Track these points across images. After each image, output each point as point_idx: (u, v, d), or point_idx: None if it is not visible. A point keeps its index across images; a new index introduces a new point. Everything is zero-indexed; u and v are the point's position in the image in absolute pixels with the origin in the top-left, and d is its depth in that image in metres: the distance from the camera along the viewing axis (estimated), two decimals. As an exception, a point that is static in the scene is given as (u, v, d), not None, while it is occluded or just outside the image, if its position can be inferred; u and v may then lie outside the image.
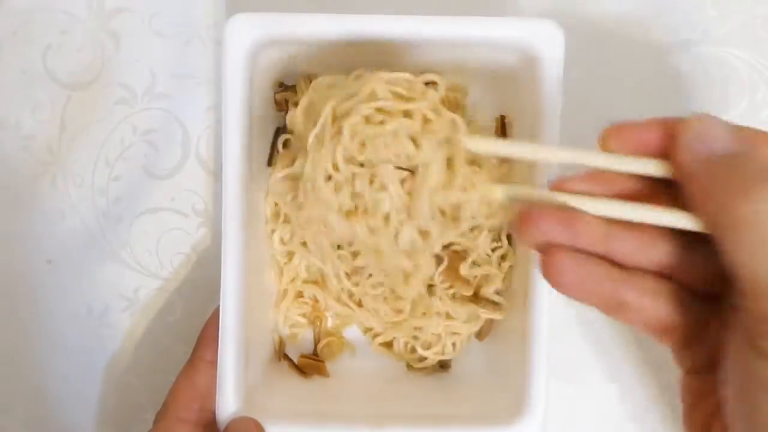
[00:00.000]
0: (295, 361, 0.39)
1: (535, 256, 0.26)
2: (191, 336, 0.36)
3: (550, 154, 0.29)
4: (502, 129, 0.38)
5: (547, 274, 0.25)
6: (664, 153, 0.26)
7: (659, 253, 0.26)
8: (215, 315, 0.35)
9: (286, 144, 0.37)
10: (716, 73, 0.41)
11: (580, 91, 0.41)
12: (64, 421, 0.41)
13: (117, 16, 0.40)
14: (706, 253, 0.25)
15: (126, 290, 0.41)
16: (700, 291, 0.26)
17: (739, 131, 0.25)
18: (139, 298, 0.41)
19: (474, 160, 0.29)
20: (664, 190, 0.26)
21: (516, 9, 0.40)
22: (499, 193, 0.28)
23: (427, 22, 0.33)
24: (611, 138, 0.26)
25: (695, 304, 0.26)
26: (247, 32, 0.32)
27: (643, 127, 0.26)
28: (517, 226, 0.26)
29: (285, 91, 0.38)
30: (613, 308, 0.26)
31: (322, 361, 0.39)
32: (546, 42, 0.32)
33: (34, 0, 0.40)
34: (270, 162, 0.37)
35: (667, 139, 0.25)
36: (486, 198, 0.28)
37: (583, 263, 0.25)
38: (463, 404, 0.36)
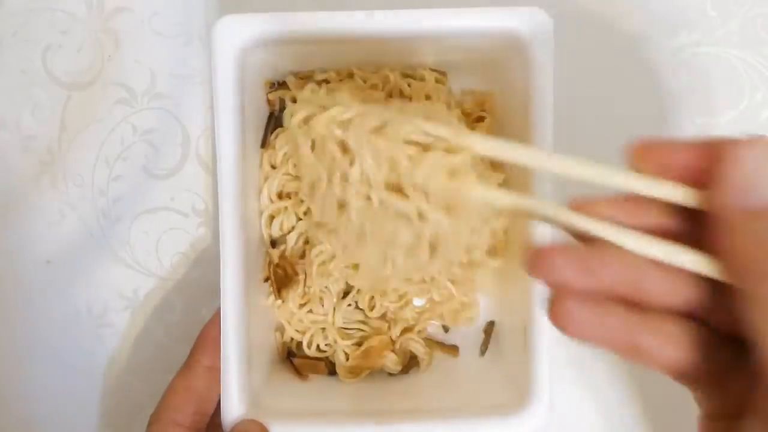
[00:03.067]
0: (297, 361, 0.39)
1: (541, 292, 0.24)
2: (191, 336, 0.36)
3: (566, 168, 0.24)
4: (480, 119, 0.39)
5: (556, 321, 0.23)
6: (700, 181, 0.22)
7: (687, 296, 0.22)
8: (214, 318, 0.35)
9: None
10: (716, 73, 0.41)
11: (578, 91, 0.41)
12: (63, 421, 0.41)
13: (117, 16, 0.41)
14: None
15: (125, 290, 0.41)
16: (727, 334, 0.23)
17: None
18: (139, 297, 0.41)
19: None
20: (695, 221, 0.23)
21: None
22: (503, 200, 0.25)
23: (416, 15, 0.33)
24: (640, 155, 0.23)
25: (720, 348, 0.23)
26: (235, 34, 0.32)
27: (680, 148, 0.22)
28: (527, 264, 0.23)
29: (277, 90, 0.38)
30: (628, 353, 0.23)
31: (320, 360, 0.39)
32: (535, 29, 0.32)
33: (34, 0, 0.40)
34: (263, 144, 0.37)
35: (707, 165, 0.22)
36: (488, 205, 0.25)
37: (597, 312, 0.22)
38: (466, 397, 0.36)
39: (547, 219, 0.24)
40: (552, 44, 0.33)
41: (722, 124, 0.41)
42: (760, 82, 0.41)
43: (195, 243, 0.41)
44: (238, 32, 0.32)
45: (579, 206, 0.23)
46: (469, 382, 0.38)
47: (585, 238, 0.23)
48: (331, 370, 0.39)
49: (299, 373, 0.38)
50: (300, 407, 0.36)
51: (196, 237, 0.41)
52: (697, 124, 0.41)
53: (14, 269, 0.41)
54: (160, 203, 0.41)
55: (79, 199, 0.41)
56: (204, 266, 0.41)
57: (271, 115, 0.38)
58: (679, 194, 0.22)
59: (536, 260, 0.22)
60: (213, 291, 0.34)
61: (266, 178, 0.37)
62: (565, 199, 0.24)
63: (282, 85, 0.38)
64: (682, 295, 0.22)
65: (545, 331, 0.33)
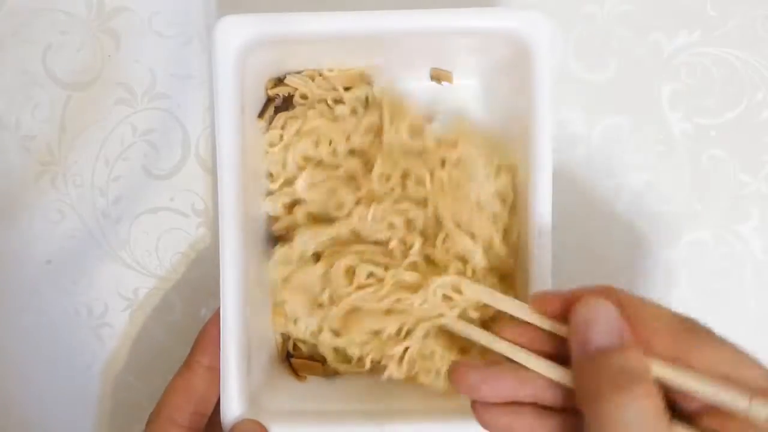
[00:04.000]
0: (294, 362, 0.39)
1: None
2: (190, 336, 0.36)
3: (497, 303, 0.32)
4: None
5: (479, 422, 0.29)
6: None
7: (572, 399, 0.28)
8: (214, 318, 0.35)
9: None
10: (716, 73, 0.41)
11: (577, 91, 0.41)
12: (63, 421, 0.41)
13: (117, 15, 0.41)
14: None
15: (125, 290, 0.41)
16: None
17: (621, 326, 0.27)
18: (139, 297, 0.41)
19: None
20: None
21: (508, 2, 0.40)
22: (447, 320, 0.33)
23: (416, 16, 0.33)
24: (534, 303, 0.30)
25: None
26: (235, 34, 0.32)
27: (554, 300, 0.29)
28: (449, 374, 0.29)
29: (275, 87, 0.38)
30: None
31: (318, 362, 0.39)
32: (535, 32, 0.33)
33: (34, 0, 0.40)
34: (261, 115, 0.37)
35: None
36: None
37: (514, 414, 0.29)
38: (467, 398, 0.36)
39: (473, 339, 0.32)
40: (552, 46, 0.33)
41: (722, 124, 0.41)
42: (760, 82, 0.41)
43: (195, 243, 0.41)
44: (238, 32, 0.32)
45: (498, 330, 0.31)
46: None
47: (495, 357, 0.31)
48: (329, 372, 0.39)
49: (296, 373, 0.38)
50: (299, 407, 0.35)
51: (196, 237, 0.41)
52: (697, 124, 0.41)
53: (14, 269, 0.41)
54: (160, 203, 0.41)
55: (79, 199, 0.41)
56: (204, 266, 0.41)
57: (269, 99, 0.38)
58: (559, 329, 0.29)
59: (453, 374, 0.29)
60: (213, 291, 0.34)
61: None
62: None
63: (283, 81, 0.38)
64: (565, 399, 0.28)
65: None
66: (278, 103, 0.38)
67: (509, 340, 0.30)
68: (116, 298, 0.41)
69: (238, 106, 0.33)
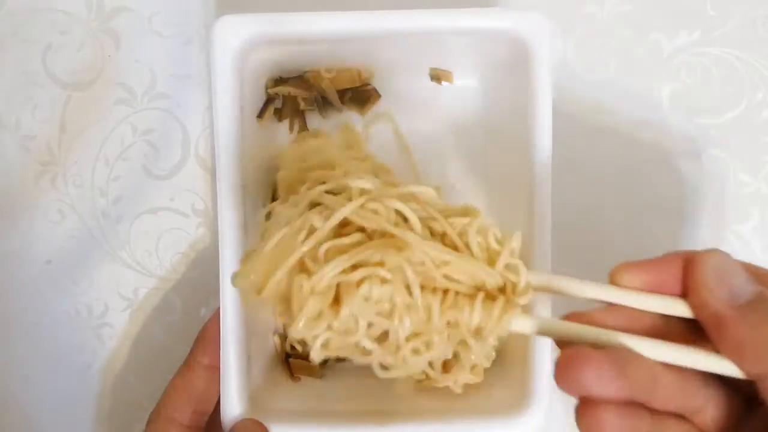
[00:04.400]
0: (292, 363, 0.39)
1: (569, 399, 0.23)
2: (190, 335, 0.36)
3: (568, 287, 0.26)
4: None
5: (584, 429, 0.22)
6: (683, 292, 0.24)
7: (694, 398, 0.24)
8: (214, 317, 0.35)
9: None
10: (716, 73, 0.41)
11: (577, 92, 0.41)
12: (63, 421, 0.41)
13: (117, 15, 0.41)
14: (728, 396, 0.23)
15: (125, 290, 0.41)
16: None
17: (753, 270, 0.24)
18: (139, 297, 0.41)
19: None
20: (685, 328, 0.24)
21: (507, 2, 0.40)
22: (528, 327, 0.25)
23: (416, 16, 0.33)
24: (623, 275, 0.25)
25: None
26: (235, 34, 0.32)
27: (655, 267, 0.25)
28: (559, 371, 0.22)
29: (275, 87, 0.38)
30: None
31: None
32: (534, 32, 0.33)
33: (34, 0, 0.40)
34: (260, 115, 0.37)
35: (683, 278, 0.24)
36: (509, 332, 0.26)
37: (626, 423, 0.22)
38: (466, 398, 0.36)
39: (555, 334, 0.25)
40: (551, 46, 0.33)
41: (722, 124, 0.41)
42: (760, 82, 0.41)
43: (195, 243, 0.41)
44: (237, 32, 0.32)
45: (577, 318, 0.24)
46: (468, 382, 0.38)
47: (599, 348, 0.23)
48: (326, 373, 0.39)
49: (291, 374, 0.38)
50: (299, 407, 0.36)
51: (195, 237, 0.41)
52: (697, 124, 0.41)
53: (14, 269, 0.41)
54: (160, 203, 0.41)
55: (79, 199, 0.41)
56: (204, 266, 0.41)
57: (269, 98, 0.38)
58: (665, 305, 0.24)
59: (566, 369, 0.22)
60: (213, 291, 0.34)
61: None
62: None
63: (284, 80, 0.38)
64: (690, 398, 0.23)
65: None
66: (278, 104, 0.38)
67: (616, 328, 0.24)
68: (116, 298, 0.41)
69: (237, 105, 0.33)
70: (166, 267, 0.41)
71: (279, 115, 0.39)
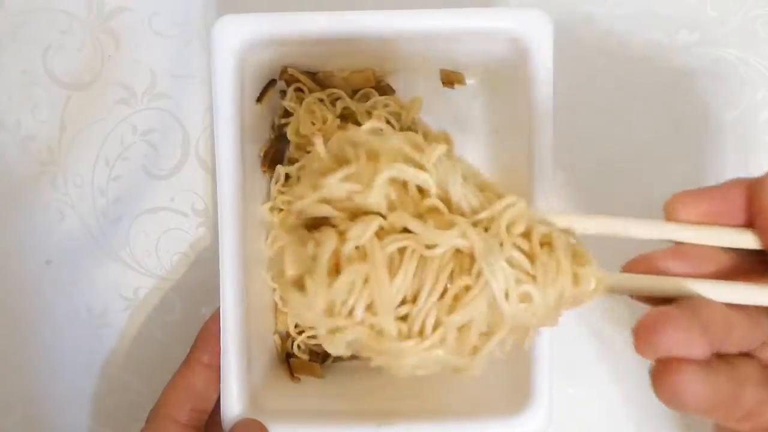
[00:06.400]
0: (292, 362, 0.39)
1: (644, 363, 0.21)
2: (190, 335, 0.36)
3: (625, 228, 0.24)
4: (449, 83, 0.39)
5: (667, 395, 0.20)
6: (748, 221, 0.22)
7: (763, 333, 0.22)
8: (214, 316, 0.35)
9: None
10: (716, 73, 0.41)
11: (577, 92, 0.41)
12: (63, 421, 0.41)
13: (117, 16, 0.41)
14: None
15: (125, 290, 0.41)
16: None
17: None
18: (139, 297, 0.41)
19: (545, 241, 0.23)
20: (758, 261, 0.22)
21: (507, 2, 0.40)
22: (592, 283, 0.22)
23: (416, 16, 0.33)
24: (679, 208, 0.22)
25: None
26: (235, 34, 0.32)
27: (716, 194, 0.22)
28: (640, 336, 0.21)
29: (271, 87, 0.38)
30: (728, 412, 0.21)
31: (315, 362, 0.39)
32: (535, 31, 0.33)
33: (34, 0, 0.40)
34: (259, 99, 0.37)
35: (747, 206, 0.22)
36: (578, 291, 0.23)
37: (709, 378, 0.20)
38: (466, 398, 0.36)
39: (618, 289, 0.23)
40: (552, 45, 0.33)
41: (722, 124, 0.41)
42: (760, 82, 0.41)
43: (195, 243, 0.41)
44: (238, 32, 0.32)
45: (637, 265, 0.22)
46: (468, 382, 0.38)
47: (666, 301, 0.21)
48: (327, 373, 0.39)
49: (291, 374, 0.38)
50: (299, 407, 0.36)
51: (195, 237, 0.41)
52: (697, 124, 0.41)
53: (14, 269, 0.41)
54: (160, 203, 0.41)
55: (79, 199, 0.41)
56: (204, 266, 0.41)
57: (271, 81, 0.38)
58: (737, 238, 0.22)
59: (649, 331, 0.20)
60: (213, 291, 0.34)
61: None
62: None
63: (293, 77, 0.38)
64: (759, 334, 0.21)
65: (545, 331, 0.33)
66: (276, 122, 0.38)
67: (681, 273, 0.22)
68: (116, 298, 0.41)
69: (238, 105, 0.33)
70: (166, 267, 0.41)
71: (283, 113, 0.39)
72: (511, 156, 0.37)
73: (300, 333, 0.38)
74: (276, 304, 0.39)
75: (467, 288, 0.22)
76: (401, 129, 0.36)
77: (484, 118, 0.40)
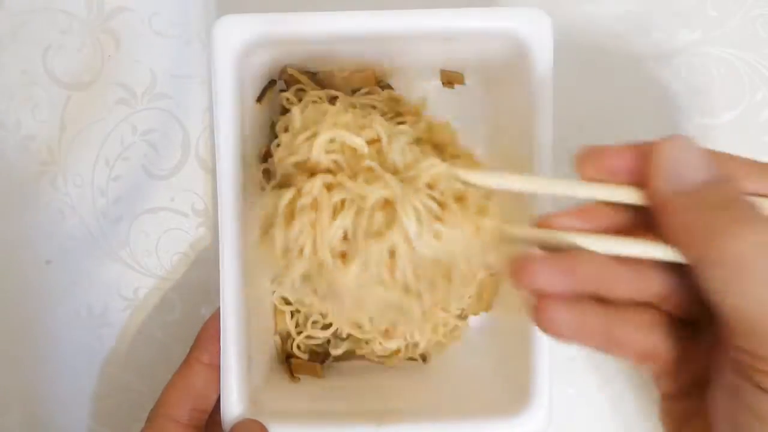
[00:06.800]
0: (292, 362, 0.39)
1: (526, 300, 0.26)
2: (190, 335, 0.36)
3: (531, 185, 0.29)
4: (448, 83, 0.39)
5: (541, 325, 0.25)
6: (641, 180, 0.25)
7: (650, 285, 0.25)
8: (215, 316, 0.35)
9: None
10: (716, 73, 0.41)
11: (577, 92, 0.41)
12: (63, 421, 0.41)
13: (117, 16, 0.41)
14: (691, 281, 0.24)
15: (125, 290, 0.41)
16: (686, 318, 0.26)
17: (715, 157, 0.25)
18: (139, 297, 0.41)
19: (460, 196, 0.28)
20: (648, 218, 0.25)
21: (507, 2, 0.40)
22: (492, 231, 0.28)
23: (416, 16, 0.33)
24: (584, 163, 0.26)
25: (682, 331, 0.26)
26: (235, 34, 0.32)
27: (616, 153, 0.25)
28: (511, 275, 0.25)
29: (271, 88, 0.38)
30: (604, 346, 0.26)
31: (315, 362, 0.39)
32: (535, 31, 0.33)
33: (34, 0, 0.40)
34: (259, 99, 0.37)
35: (642, 166, 0.25)
36: (480, 238, 0.28)
37: (577, 311, 0.25)
38: (466, 398, 0.36)
39: (518, 240, 0.27)
40: (552, 44, 0.33)
41: (722, 124, 0.41)
42: (760, 82, 0.41)
43: (195, 243, 0.41)
44: (238, 32, 0.32)
45: (543, 222, 0.26)
46: (468, 382, 0.38)
47: (556, 250, 0.26)
48: (327, 373, 0.39)
49: (291, 374, 0.38)
50: (299, 407, 0.36)
51: (195, 237, 0.41)
52: (697, 124, 0.41)
53: (14, 269, 0.41)
54: (160, 203, 0.41)
55: (79, 199, 0.41)
56: (204, 266, 0.41)
57: (271, 82, 0.38)
58: (627, 195, 0.26)
59: (518, 271, 0.25)
60: (213, 291, 0.34)
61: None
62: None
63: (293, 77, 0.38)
64: (645, 285, 0.25)
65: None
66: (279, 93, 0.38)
67: (567, 229, 0.26)
68: (116, 298, 0.41)
69: (238, 106, 0.33)
70: (166, 267, 0.41)
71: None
72: (511, 156, 0.37)
73: (299, 333, 0.38)
74: (276, 305, 0.39)
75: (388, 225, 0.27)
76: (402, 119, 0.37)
77: (483, 118, 0.40)
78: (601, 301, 0.25)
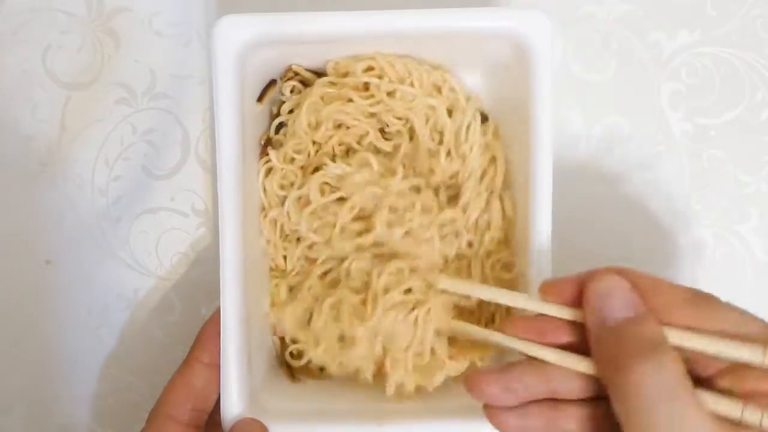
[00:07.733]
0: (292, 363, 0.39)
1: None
2: (190, 335, 0.36)
3: (501, 298, 0.33)
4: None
5: (492, 424, 0.30)
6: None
7: (585, 389, 0.29)
8: (214, 316, 0.35)
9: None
10: (716, 73, 0.41)
11: (576, 92, 0.41)
12: (63, 421, 0.41)
13: (117, 16, 0.41)
14: None
15: (125, 290, 0.41)
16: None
17: (641, 288, 0.28)
18: (139, 297, 0.41)
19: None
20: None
21: (507, 2, 0.40)
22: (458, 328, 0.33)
23: (416, 16, 0.33)
24: (544, 293, 0.30)
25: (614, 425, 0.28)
26: (235, 34, 0.32)
27: (560, 286, 0.30)
28: (465, 386, 0.30)
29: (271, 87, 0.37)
30: None
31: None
32: (535, 31, 0.33)
33: (34, 0, 0.40)
34: (260, 98, 0.37)
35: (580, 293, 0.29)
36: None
37: (520, 415, 0.29)
38: (466, 397, 0.36)
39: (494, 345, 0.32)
40: (552, 46, 0.33)
41: (722, 124, 0.41)
42: (760, 82, 0.41)
43: (195, 243, 0.41)
44: (238, 32, 0.32)
45: (505, 326, 0.31)
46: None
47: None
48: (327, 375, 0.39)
49: (291, 374, 0.38)
50: (299, 407, 0.36)
51: (195, 237, 0.41)
52: (697, 124, 0.41)
53: (14, 269, 0.41)
54: (160, 203, 0.41)
55: (79, 199, 0.41)
56: (204, 266, 0.41)
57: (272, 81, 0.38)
58: (573, 315, 0.30)
59: (471, 385, 0.29)
60: (213, 291, 0.34)
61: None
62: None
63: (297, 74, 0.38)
64: (581, 389, 0.29)
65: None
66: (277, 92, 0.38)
67: (519, 337, 0.30)
68: (116, 298, 0.41)
69: (238, 105, 0.33)
70: (166, 267, 0.41)
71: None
72: (511, 156, 0.37)
73: (294, 342, 0.38)
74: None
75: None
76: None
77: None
78: (552, 399, 0.29)
